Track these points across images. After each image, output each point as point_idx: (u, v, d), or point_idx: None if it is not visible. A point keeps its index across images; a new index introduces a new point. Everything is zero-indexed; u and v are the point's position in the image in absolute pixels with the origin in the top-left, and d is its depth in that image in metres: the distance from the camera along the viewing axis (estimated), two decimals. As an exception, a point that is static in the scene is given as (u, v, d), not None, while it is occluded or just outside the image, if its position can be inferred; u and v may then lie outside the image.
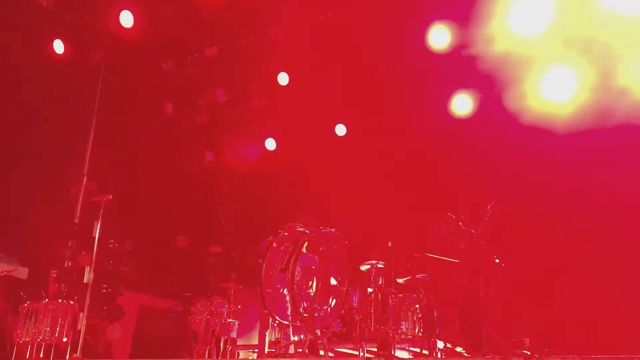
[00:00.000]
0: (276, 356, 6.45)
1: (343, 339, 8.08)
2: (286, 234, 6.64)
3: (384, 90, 9.91)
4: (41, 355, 7.25)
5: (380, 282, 8.07)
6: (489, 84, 8.73)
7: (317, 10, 9.10)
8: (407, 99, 9.81)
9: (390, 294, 7.79)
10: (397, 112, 9.99)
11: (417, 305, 7.25)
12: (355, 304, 8.24)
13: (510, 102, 8.43)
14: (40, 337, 7.26)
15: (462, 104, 9.57)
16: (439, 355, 6.51)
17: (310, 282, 6.53)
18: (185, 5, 9.22)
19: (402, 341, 7.17)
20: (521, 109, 8.37)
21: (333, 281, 6.84)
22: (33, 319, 7.33)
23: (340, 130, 10.61)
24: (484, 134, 9.00)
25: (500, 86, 8.58)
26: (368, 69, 9.87)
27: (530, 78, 8.43)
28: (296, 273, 6.21)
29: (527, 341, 5.08)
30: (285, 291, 6.26)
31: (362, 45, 9.26)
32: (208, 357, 8.05)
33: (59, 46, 9.54)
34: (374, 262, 8.14)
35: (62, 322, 7.36)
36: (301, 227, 6.76)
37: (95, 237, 7.85)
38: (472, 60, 8.87)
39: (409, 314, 7.54)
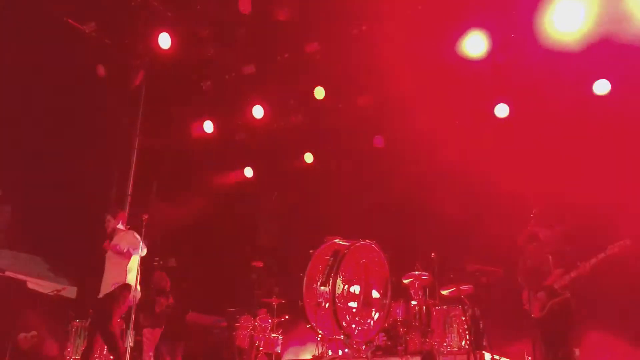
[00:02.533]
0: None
1: (388, 352, 7.98)
2: (326, 247, 6.63)
3: (421, 100, 9.83)
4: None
5: (423, 294, 7.95)
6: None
7: (350, 23, 9.11)
8: (445, 107, 9.71)
9: (435, 306, 7.67)
10: (435, 121, 9.90)
11: (463, 317, 7.10)
12: (399, 317, 8.14)
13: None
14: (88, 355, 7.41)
15: (501, 111, 9.44)
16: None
17: (352, 296, 6.49)
18: (221, 25, 9.38)
19: (448, 353, 7.03)
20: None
21: (375, 294, 6.78)
22: (82, 337, 7.50)
23: (378, 142, 10.55)
24: (523, 140, 8.83)
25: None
26: (404, 79, 9.82)
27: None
28: (337, 286, 6.18)
29: (577, 352, 4.90)
30: (327, 305, 6.23)
31: (397, 56, 9.22)
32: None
33: (101, 70, 9.83)
34: (417, 273, 8.04)
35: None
36: (341, 240, 6.74)
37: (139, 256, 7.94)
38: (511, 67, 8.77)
39: (455, 325, 7.40)
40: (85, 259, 9.78)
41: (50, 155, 10.23)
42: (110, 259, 7.18)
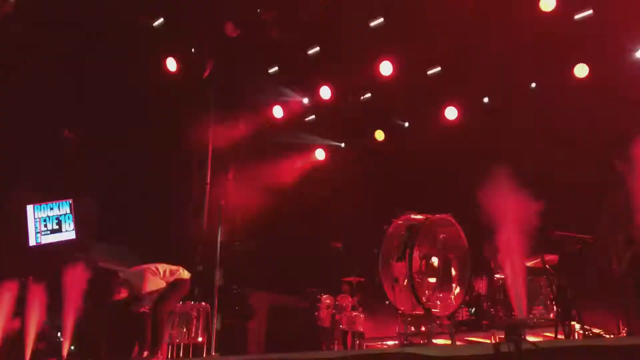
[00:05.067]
0: (401, 346, 6.35)
1: (473, 327, 7.81)
2: (401, 222, 6.52)
3: (495, 63, 9.41)
4: (180, 355, 7.71)
5: (502, 265, 7.67)
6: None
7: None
8: (527, 70, 9.22)
9: (519, 277, 7.39)
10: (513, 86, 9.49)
11: (549, 288, 6.80)
12: (482, 291, 7.94)
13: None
14: (178, 339, 7.71)
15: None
16: (576, 338, 6.06)
17: (431, 270, 6.38)
18: (283, 8, 9.38)
19: (535, 325, 6.78)
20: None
21: (454, 268, 6.63)
22: (171, 322, 7.80)
23: (451, 114, 10.25)
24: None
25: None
26: (476, 45, 9.44)
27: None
28: (414, 261, 6.08)
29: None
30: (404, 281, 6.14)
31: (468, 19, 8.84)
32: (336, 351, 8.11)
33: (172, 64, 10.11)
34: (498, 246, 7.77)
35: (197, 323, 7.77)
36: (416, 214, 6.61)
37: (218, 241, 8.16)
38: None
39: (541, 297, 7.12)
40: (168, 246, 10.22)
41: (131, 151, 10.68)
42: None
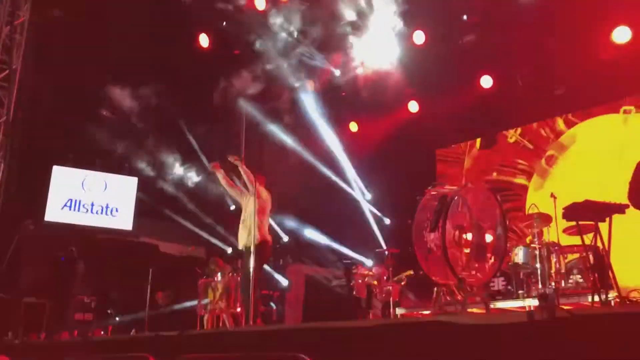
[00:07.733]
0: (436, 315, 6.40)
1: (509, 296, 7.81)
2: (434, 192, 6.51)
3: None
4: (220, 325, 7.95)
5: (542, 235, 7.62)
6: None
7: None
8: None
9: (555, 246, 7.34)
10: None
11: (585, 256, 6.73)
12: (518, 261, 7.90)
13: None
14: (217, 309, 7.93)
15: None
16: (612, 305, 6.00)
17: (464, 240, 6.35)
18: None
19: (572, 294, 6.74)
20: None
21: (489, 237, 6.59)
22: (209, 293, 8.03)
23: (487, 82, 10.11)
24: None
25: None
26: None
27: None
28: (447, 232, 6.06)
29: None
30: (438, 251, 6.14)
31: None
32: (372, 319, 8.21)
33: (204, 40, 10.17)
34: (534, 215, 7.72)
35: (234, 295, 7.97)
36: (448, 184, 6.59)
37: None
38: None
39: (578, 266, 7.06)
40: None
41: (171, 129, 10.86)
42: None
